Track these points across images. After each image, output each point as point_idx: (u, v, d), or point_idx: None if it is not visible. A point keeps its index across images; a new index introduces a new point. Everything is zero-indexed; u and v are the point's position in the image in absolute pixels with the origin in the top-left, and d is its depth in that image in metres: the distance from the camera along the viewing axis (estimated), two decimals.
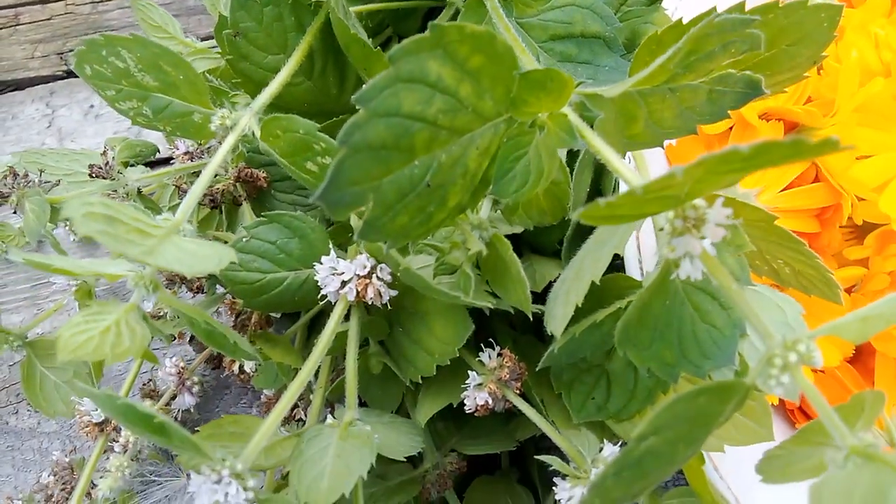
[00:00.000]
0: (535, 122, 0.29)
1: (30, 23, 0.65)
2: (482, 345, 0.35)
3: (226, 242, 0.35)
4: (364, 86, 0.24)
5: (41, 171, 0.39)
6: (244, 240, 0.34)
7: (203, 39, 0.64)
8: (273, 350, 0.37)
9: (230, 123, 0.34)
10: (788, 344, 0.23)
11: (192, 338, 0.50)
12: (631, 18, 0.45)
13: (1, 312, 0.54)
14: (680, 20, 0.34)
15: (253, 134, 0.34)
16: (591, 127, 0.30)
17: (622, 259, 0.42)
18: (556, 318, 0.32)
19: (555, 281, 0.40)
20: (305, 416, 0.42)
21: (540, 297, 0.36)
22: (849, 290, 0.45)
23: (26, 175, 0.39)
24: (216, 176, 0.42)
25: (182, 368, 0.41)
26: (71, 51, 0.65)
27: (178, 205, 0.47)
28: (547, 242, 0.42)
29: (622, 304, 0.33)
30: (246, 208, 0.39)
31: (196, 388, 0.41)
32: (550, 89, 0.27)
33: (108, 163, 0.38)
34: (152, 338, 0.34)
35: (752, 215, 0.35)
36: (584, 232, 0.41)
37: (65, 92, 0.64)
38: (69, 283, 0.48)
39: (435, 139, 0.26)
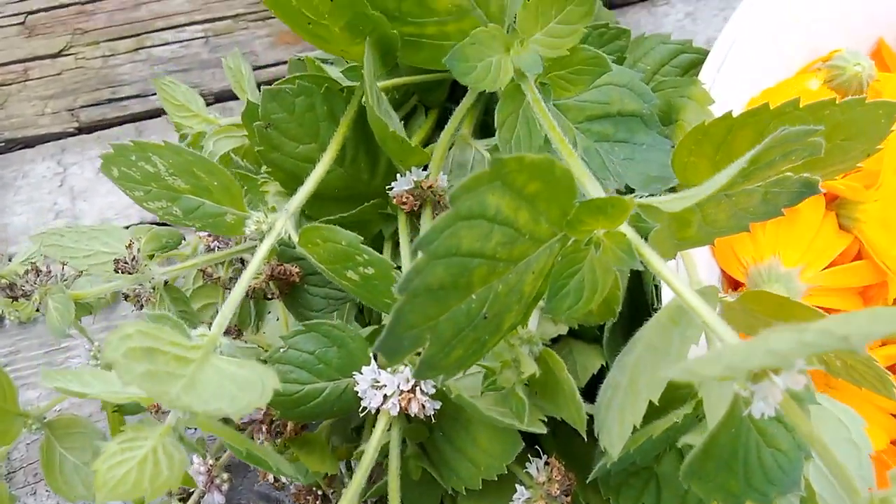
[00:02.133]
0: (591, 239, 0.28)
1: (39, 78, 0.64)
2: (528, 455, 0.34)
3: (264, 351, 0.34)
4: (425, 230, 0.22)
5: (63, 265, 0.38)
6: (281, 350, 0.33)
7: (217, 98, 0.63)
8: (309, 457, 0.36)
9: (266, 228, 0.32)
10: (876, 501, 0.22)
11: None
12: (665, 89, 0.44)
13: (18, 388, 0.52)
14: (729, 113, 0.33)
15: (289, 237, 0.33)
16: (645, 237, 0.29)
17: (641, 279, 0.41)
18: (612, 435, 0.31)
19: (597, 373, 0.39)
20: None
21: (584, 392, 0.35)
22: (892, 368, 0.44)
23: (49, 271, 0.37)
24: None
25: (211, 466, 0.40)
26: (82, 106, 0.63)
27: (202, 288, 0.46)
28: (587, 329, 0.41)
29: (678, 417, 0.32)
30: (280, 309, 0.38)
31: (225, 486, 0.40)
32: (610, 213, 0.26)
33: (133, 257, 0.37)
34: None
35: (806, 315, 0.34)
36: (626, 319, 0.40)
37: (76, 149, 0.63)
38: (88, 363, 0.46)
39: (493, 271, 0.25)
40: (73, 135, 0.63)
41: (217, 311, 0.46)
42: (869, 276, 0.42)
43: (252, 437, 0.39)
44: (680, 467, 0.36)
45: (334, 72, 0.44)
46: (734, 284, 0.45)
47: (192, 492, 0.41)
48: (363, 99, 0.37)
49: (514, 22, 0.35)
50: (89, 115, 0.63)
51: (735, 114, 0.33)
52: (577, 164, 0.30)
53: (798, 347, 0.17)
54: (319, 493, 0.40)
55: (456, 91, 0.48)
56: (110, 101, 0.63)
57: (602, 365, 0.39)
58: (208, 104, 0.63)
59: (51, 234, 0.44)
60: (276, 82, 0.36)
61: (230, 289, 0.42)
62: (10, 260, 0.60)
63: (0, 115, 0.63)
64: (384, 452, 0.38)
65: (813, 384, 0.31)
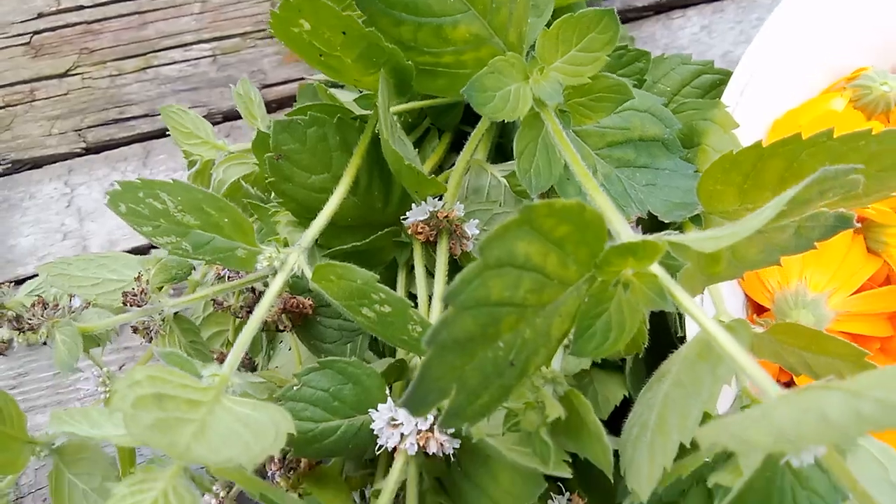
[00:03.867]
0: (619, 280, 0.27)
1: (46, 98, 0.63)
2: (551, 493, 0.33)
3: (278, 387, 0.33)
4: (453, 281, 0.21)
5: (71, 297, 0.37)
6: (295, 388, 0.32)
7: (226, 117, 0.62)
8: (323, 492, 0.35)
9: (278, 264, 0.31)
10: None
11: None
12: (686, 111, 0.43)
13: (27, 412, 0.52)
14: (759, 143, 0.32)
15: (302, 273, 0.32)
16: (673, 273, 0.28)
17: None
18: (641, 477, 0.30)
19: (620, 406, 0.38)
20: None
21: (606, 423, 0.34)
22: None
23: (56, 304, 0.36)
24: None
25: (222, 500, 0.39)
26: (89, 127, 0.63)
27: (212, 316, 0.45)
28: (609, 358, 0.40)
29: (707, 455, 0.31)
30: (292, 341, 0.37)
31: None
32: (640, 255, 0.25)
33: (143, 290, 0.36)
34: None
35: (838, 350, 0.33)
36: (652, 351, 0.38)
37: (84, 169, 0.62)
38: (97, 390, 0.45)
39: (521, 318, 0.24)
40: (80, 155, 0.63)
41: (227, 340, 0.45)
42: None
43: (265, 469, 0.38)
44: (705, 501, 0.35)
45: (346, 96, 0.43)
46: (758, 308, 0.44)
47: None
48: (376, 128, 0.37)
49: (534, 49, 0.34)
50: (97, 136, 0.62)
51: (764, 142, 0.32)
52: (604, 200, 0.29)
53: (856, 423, 0.16)
54: None
55: (469, 113, 0.47)
56: (117, 120, 0.62)
57: (624, 395, 0.38)
58: (216, 123, 0.62)
59: (58, 263, 0.43)
60: (287, 112, 0.35)
61: (240, 316, 0.41)
62: (15, 284, 0.59)
63: (6, 136, 0.63)
64: (400, 487, 0.37)
65: None
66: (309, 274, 0.31)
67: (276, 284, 0.31)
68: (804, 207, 0.28)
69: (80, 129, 0.63)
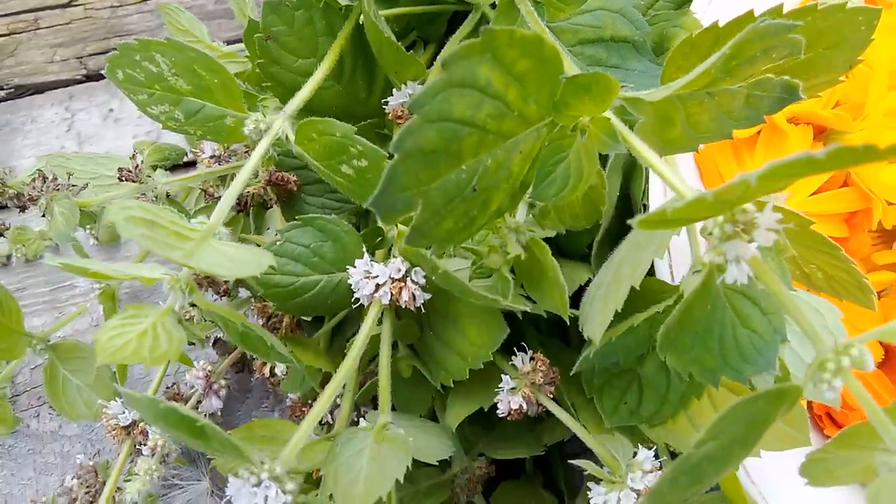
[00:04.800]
0: (577, 125, 0.29)
1: (49, 27, 0.65)
2: (514, 349, 0.35)
3: (258, 246, 0.35)
4: (418, 91, 0.24)
5: (69, 175, 0.39)
6: (278, 243, 0.34)
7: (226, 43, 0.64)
8: (304, 353, 0.37)
9: (264, 127, 0.34)
10: (840, 349, 0.23)
11: (215, 341, 0.50)
12: (659, 22, 0.45)
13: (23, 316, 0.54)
14: (716, 23, 0.34)
15: (286, 137, 0.34)
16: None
17: (631, 199, 0.42)
18: (595, 322, 0.32)
19: (585, 285, 0.40)
20: (332, 419, 0.42)
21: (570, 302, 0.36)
22: (878, 295, 0.45)
23: (55, 178, 0.39)
24: None
25: (209, 372, 0.41)
26: (90, 55, 0.65)
27: (205, 208, 0.47)
28: (575, 247, 0.42)
29: (659, 307, 0.33)
30: (276, 212, 0.39)
31: (223, 392, 0.41)
32: (595, 93, 0.27)
33: (137, 166, 0.38)
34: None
35: (787, 220, 0.35)
36: (614, 236, 0.41)
37: (84, 96, 0.64)
38: (93, 287, 0.48)
39: (482, 143, 0.26)
40: (80, 82, 0.65)
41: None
42: (854, 202, 0.43)
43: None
44: (662, 368, 0.37)
45: None
46: None
47: (191, 396, 0.42)
48: (360, 18, 0.39)
49: None
50: (97, 63, 0.65)
51: (720, 22, 0.34)
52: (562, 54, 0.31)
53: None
54: (313, 404, 0.41)
55: (454, 25, 0.49)
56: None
57: (589, 278, 0.40)
58: None
59: (57, 156, 0.46)
60: None
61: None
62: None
63: (10, 63, 0.65)
64: (375, 358, 0.40)
65: (787, 267, 0.32)
66: (293, 137, 0.34)
67: (262, 145, 0.33)
68: (749, 68, 0.30)
69: (81, 57, 0.65)
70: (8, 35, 0.65)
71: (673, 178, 0.26)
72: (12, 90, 0.65)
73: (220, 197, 0.43)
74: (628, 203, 0.43)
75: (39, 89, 0.65)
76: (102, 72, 0.64)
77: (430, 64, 0.48)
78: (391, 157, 0.24)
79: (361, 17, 0.39)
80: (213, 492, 0.51)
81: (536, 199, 0.30)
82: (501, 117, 0.26)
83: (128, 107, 0.64)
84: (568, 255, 0.43)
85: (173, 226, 0.29)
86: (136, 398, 0.27)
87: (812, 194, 0.44)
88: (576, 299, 0.40)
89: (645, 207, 0.42)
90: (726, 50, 0.28)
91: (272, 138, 0.34)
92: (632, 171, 0.43)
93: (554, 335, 0.44)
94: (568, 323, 0.32)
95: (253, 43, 0.38)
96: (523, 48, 0.26)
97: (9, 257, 0.61)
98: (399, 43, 0.35)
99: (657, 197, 0.41)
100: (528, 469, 0.47)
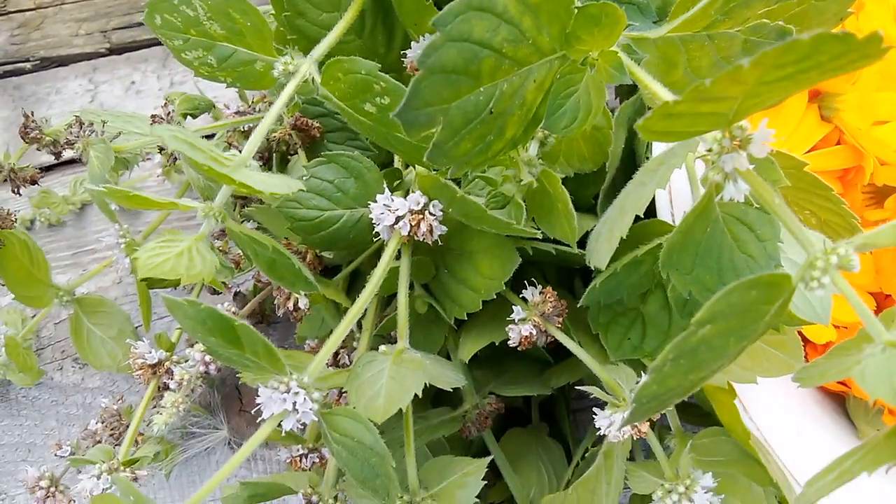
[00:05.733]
0: (587, 59, 0.31)
1: (74, 2, 0.68)
2: (525, 282, 0.37)
3: None
4: (441, 10, 0.26)
5: (104, 123, 0.42)
6: (304, 178, 0.36)
7: None
8: (325, 289, 0.39)
9: (292, 69, 0.36)
10: (828, 249, 0.25)
11: (235, 294, 0.52)
12: None
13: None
14: None
15: (312, 80, 0.36)
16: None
17: (634, 155, 0.44)
18: (600, 252, 0.34)
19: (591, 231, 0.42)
20: (350, 361, 0.44)
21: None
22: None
23: (91, 124, 0.41)
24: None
25: (233, 314, 0.43)
26: (114, 29, 0.67)
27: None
28: (582, 198, 0.44)
29: (661, 240, 0.35)
30: (300, 160, 0.41)
31: None
32: (604, 25, 0.29)
33: (169, 113, 0.40)
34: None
35: (782, 162, 0.37)
36: (618, 189, 0.43)
37: (107, 69, 0.67)
38: (118, 241, 0.50)
39: (499, 68, 0.28)
40: (104, 55, 0.67)
41: None
42: (847, 159, 0.45)
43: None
44: (665, 306, 0.39)
45: None
46: None
47: None
48: None
49: None
50: (120, 37, 0.67)
51: None
52: None
53: None
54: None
55: None
56: (141, 24, 0.67)
57: (594, 225, 0.42)
58: None
59: (86, 112, 0.48)
60: None
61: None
62: (42, 171, 0.63)
63: (37, 35, 0.67)
64: (390, 299, 0.42)
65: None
66: (319, 79, 0.36)
67: (290, 87, 0.36)
68: (746, 10, 0.33)
69: (105, 31, 0.67)
70: (35, 9, 0.68)
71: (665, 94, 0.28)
72: (38, 62, 0.67)
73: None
74: (633, 159, 0.45)
75: (64, 62, 0.67)
76: (126, 45, 0.67)
77: None
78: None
79: None
80: (231, 441, 0.53)
81: (548, 130, 0.33)
82: (517, 43, 0.28)
83: (149, 80, 0.66)
84: (575, 207, 0.45)
85: (210, 152, 0.32)
86: (175, 302, 0.29)
87: (806, 153, 0.46)
88: (581, 247, 0.42)
89: (648, 161, 0.45)
90: None
91: (300, 80, 0.36)
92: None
93: (561, 285, 0.46)
94: (574, 247, 0.34)
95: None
96: None
97: (32, 221, 0.63)
98: None
99: (660, 149, 0.44)
100: (535, 419, 0.49)
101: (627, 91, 0.47)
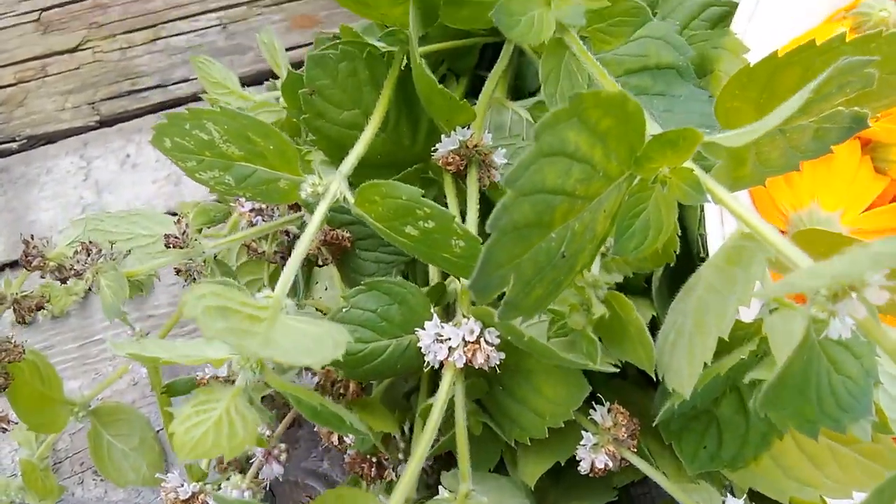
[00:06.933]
0: (657, 177, 0.28)
1: (58, 73, 0.64)
2: (592, 403, 0.34)
3: (323, 314, 0.34)
4: (511, 168, 0.23)
5: (112, 244, 0.38)
6: (344, 310, 0.33)
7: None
8: (371, 418, 0.36)
9: (321, 190, 0.33)
10: None
11: (263, 398, 0.48)
12: (696, 42, 0.44)
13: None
14: (774, 53, 0.33)
15: (344, 199, 0.33)
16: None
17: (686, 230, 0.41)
18: (682, 376, 0.31)
19: (649, 324, 0.39)
20: (395, 475, 0.40)
21: None
22: None
23: (99, 250, 0.37)
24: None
25: (268, 437, 0.40)
26: (103, 99, 0.63)
27: (247, 263, 0.46)
28: (635, 281, 0.41)
29: (742, 354, 0.32)
30: (336, 282, 0.38)
31: (283, 456, 0.40)
32: (680, 147, 0.26)
33: (184, 232, 0.37)
34: None
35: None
36: (676, 272, 0.40)
37: (99, 142, 0.63)
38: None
39: (572, 209, 0.25)
40: (94, 128, 0.63)
41: (263, 286, 0.46)
42: None
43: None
44: (740, 408, 0.36)
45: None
46: None
47: (251, 463, 0.41)
48: (404, 62, 0.38)
49: None
50: (110, 108, 0.63)
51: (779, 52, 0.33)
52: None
53: None
54: (374, 459, 0.40)
55: (484, 58, 0.48)
56: (130, 92, 0.63)
57: (653, 316, 0.39)
58: None
59: (90, 219, 0.44)
60: (317, 48, 0.36)
61: (275, 262, 0.42)
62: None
63: (20, 113, 0.63)
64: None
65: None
66: (352, 199, 0.33)
67: (321, 210, 0.32)
68: (823, 104, 0.30)
69: (93, 103, 0.63)
70: (16, 84, 0.64)
71: (788, 250, 0.25)
72: (25, 141, 0.63)
73: (262, 252, 0.42)
74: (685, 233, 0.42)
75: (52, 139, 0.63)
76: (117, 115, 0.63)
77: (464, 97, 0.47)
78: (485, 236, 0.23)
79: (404, 61, 0.38)
80: None
81: (617, 254, 0.29)
82: (589, 180, 0.25)
83: (145, 151, 0.63)
84: (625, 289, 0.42)
85: (244, 307, 0.28)
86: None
87: (864, 211, 0.43)
88: None
89: (701, 237, 0.42)
90: (808, 94, 0.27)
91: (331, 201, 0.33)
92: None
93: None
94: (656, 379, 0.31)
95: (294, 96, 0.37)
96: (608, 107, 0.25)
97: (34, 314, 0.60)
98: (451, 92, 0.34)
99: (714, 226, 0.41)
100: None
101: None
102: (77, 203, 0.62)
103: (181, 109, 0.31)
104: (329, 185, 0.33)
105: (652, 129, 0.29)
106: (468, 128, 0.37)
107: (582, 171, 0.25)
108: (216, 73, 0.45)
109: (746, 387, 0.35)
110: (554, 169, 0.24)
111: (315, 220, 0.32)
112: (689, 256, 0.42)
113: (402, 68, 0.38)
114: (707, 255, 0.40)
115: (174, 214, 0.60)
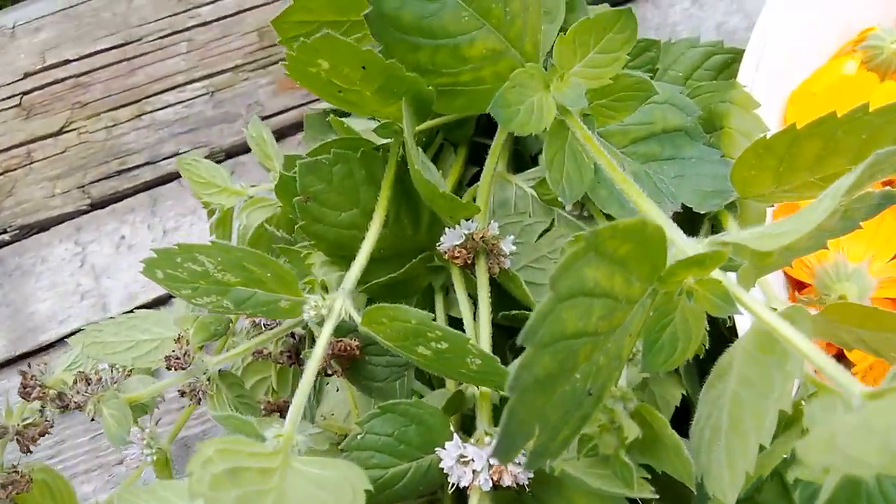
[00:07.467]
0: (682, 289, 0.26)
1: (44, 159, 0.62)
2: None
3: (335, 434, 0.32)
4: (528, 321, 0.21)
5: (112, 367, 0.36)
6: (359, 437, 0.31)
7: (228, 154, 0.61)
8: None
9: (325, 311, 0.31)
10: None
11: None
12: (702, 94, 0.42)
13: (69, 479, 0.51)
14: (793, 126, 0.32)
15: (350, 317, 0.31)
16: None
17: None
18: (723, 483, 0.29)
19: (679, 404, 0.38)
20: None
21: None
22: None
23: (99, 378, 0.36)
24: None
25: None
26: (92, 182, 0.62)
27: (252, 364, 0.45)
28: None
29: (785, 448, 0.30)
30: (349, 399, 0.36)
31: None
32: (706, 266, 0.24)
33: (186, 352, 0.35)
34: None
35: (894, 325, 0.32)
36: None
37: (92, 226, 0.61)
38: (143, 453, 0.44)
39: (595, 347, 0.23)
40: (86, 212, 0.62)
41: (271, 387, 0.45)
42: None
43: None
44: (782, 495, 0.34)
45: (358, 124, 0.42)
46: (798, 284, 0.44)
47: None
48: (399, 157, 0.36)
49: (551, 56, 0.33)
50: (101, 190, 0.61)
51: (796, 123, 0.31)
52: (650, 204, 0.29)
53: None
54: None
55: (481, 125, 0.46)
56: (120, 172, 0.61)
57: (682, 395, 0.37)
58: (219, 161, 0.61)
59: (89, 331, 0.43)
60: (308, 152, 0.35)
61: (281, 362, 0.40)
62: (41, 352, 0.58)
63: (9, 203, 0.62)
64: None
65: None
66: (358, 319, 0.31)
67: (326, 332, 0.31)
68: (856, 192, 0.28)
69: (83, 186, 0.62)
70: (2, 174, 0.62)
71: (800, 344, 0.23)
72: (16, 232, 0.62)
73: (268, 353, 0.40)
74: None
75: (44, 226, 0.62)
76: (108, 197, 0.62)
77: (464, 168, 0.46)
78: (497, 327, 0.22)
79: (400, 152, 0.36)
80: None
81: (645, 371, 0.28)
82: (611, 314, 0.23)
83: (139, 232, 0.61)
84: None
85: (254, 461, 0.27)
86: None
87: (892, 258, 0.41)
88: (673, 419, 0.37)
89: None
90: (841, 196, 0.25)
91: (335, 321, 0.31)
92: None
93: None
94: (694, 490, 0.29)
95: (289, 197, 0.35)
96: (625, 236, 0.23)
97: (42, 410, 0.58)
98: (452, 194, 0.32)
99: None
100: None
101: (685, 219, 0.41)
102: (75, 291, 0.60)
103: (171, 245, 0.30)
104: (332, 305, 0.31)
105: (670, 233, 0.27)
106: (472, 220, 0.36)
107: (603, 307, 0.23)
108: (204, 172, 0.43)
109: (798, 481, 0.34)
110: (574, 313, 0.22)
111: (321, 344, 0.31)
112: (713, 324, 0.40)
113: (399, 159, 0.36)
114: (732, 325, 0.38)
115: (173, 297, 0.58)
